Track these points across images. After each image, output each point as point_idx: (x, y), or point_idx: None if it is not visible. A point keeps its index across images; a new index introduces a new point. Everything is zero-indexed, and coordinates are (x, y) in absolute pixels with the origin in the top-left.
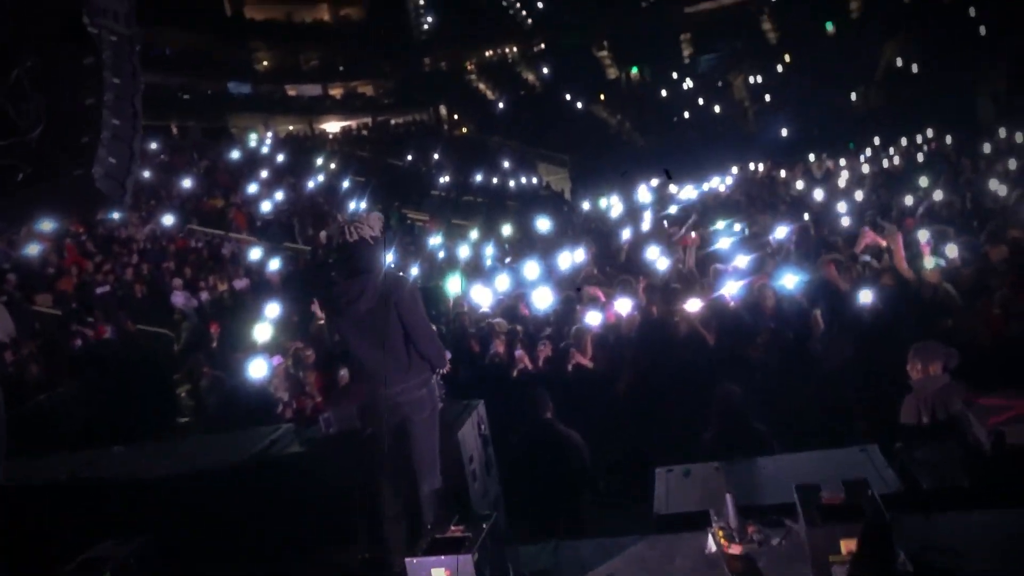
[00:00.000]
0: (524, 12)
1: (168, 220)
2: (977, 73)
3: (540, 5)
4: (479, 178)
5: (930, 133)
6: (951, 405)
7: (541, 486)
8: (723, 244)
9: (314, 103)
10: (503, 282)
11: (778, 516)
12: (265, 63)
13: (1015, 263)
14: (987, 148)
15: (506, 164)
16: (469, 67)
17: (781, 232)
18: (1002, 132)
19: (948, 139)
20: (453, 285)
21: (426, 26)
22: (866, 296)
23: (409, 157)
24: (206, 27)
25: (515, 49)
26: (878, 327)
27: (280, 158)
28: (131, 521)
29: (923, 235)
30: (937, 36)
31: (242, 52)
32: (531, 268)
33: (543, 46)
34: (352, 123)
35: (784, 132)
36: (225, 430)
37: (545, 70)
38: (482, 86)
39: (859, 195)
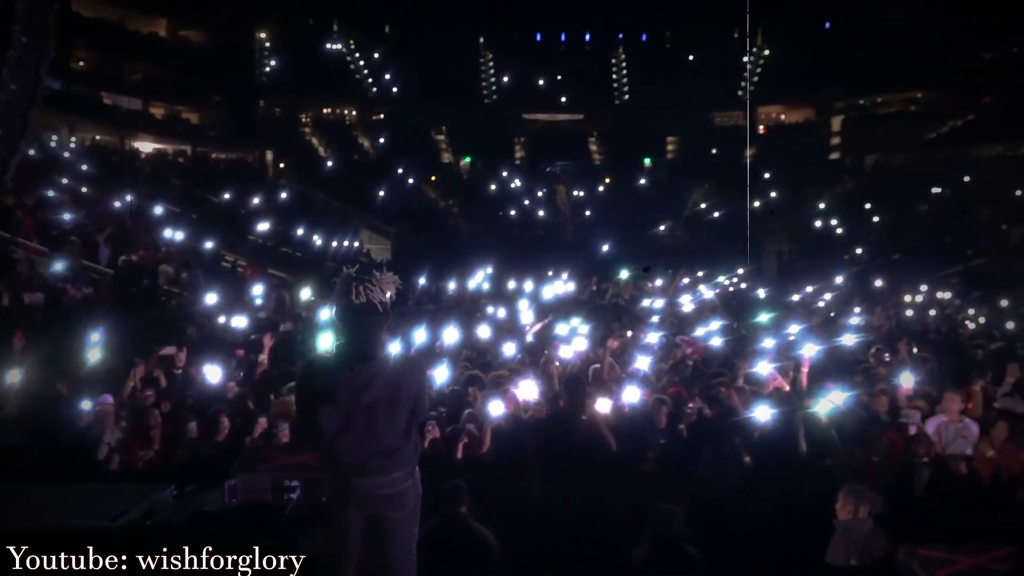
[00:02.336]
0: (370, 80)
1: None
2: (767, 231)
3: (387, 77)
4: (300, 232)
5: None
6: (876, 550)
7: None
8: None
9: (132, 118)
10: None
11: None
12: (83, 63)
13: (894, 417)
14: (795, 297)
15: (329, 223)
16: (304, 119)
17: (653, 338)
18: (808, 287)
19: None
20: (325, 341)
21: (268, 68)
22: (763, 413)
23: (227, 196)
24: None
25: (355, 113)
26: (764, 459)
27: (84, 167)
28: None
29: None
30: (735, 192)
31: (60, 47)
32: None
33: (382, 116)
34: (169, 148)
35: (604, 248)
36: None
37: (381, 140)
38: (315, 141)
39: (715, 324)
